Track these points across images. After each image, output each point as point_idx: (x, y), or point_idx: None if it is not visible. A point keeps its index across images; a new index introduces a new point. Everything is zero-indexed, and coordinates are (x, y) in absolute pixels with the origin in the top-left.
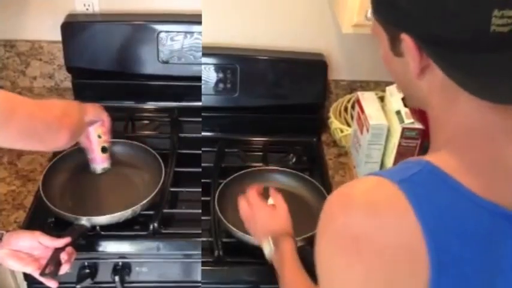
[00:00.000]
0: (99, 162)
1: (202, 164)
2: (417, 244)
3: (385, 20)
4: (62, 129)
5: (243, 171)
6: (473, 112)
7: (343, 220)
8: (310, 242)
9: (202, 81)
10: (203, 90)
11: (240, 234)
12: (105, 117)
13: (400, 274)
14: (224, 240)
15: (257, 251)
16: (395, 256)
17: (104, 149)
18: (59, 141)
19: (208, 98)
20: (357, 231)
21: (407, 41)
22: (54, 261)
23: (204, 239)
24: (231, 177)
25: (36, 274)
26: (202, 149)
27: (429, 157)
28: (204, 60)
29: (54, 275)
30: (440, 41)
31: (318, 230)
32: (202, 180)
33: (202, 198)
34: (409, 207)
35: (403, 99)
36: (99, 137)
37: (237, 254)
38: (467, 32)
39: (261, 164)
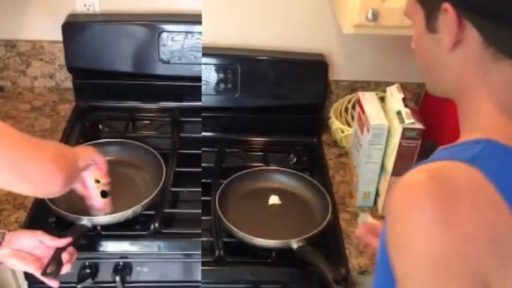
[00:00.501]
0: (101, 209)
1: (203, 164)
2: (506, 223)
3: None
4: (58, 171)
5: (243, 171)
6: (510, 81)
7: (422, 210)
8: (311, 241)
9: (203, 82)
10: (204, 91)
11: (240, 234)
12: (99, 159)
13: (495, 255)
14: (225, 240)
15: (257, 251)
16: (486, 237)
17: (103, 194)
18: (54, 185)
19: (208, 98)
20: (443, 217)
21: (449, 10)
22: (56, 260)
23: (205, 239)
24: (232, 177)
25: (37, 274)
26: (203, 149)
27: (480, 134)
28: (205, 60)
29: (55, 274)
30: (484, 10)
31: (391, 226)
32: (202, 181)
33: (203, 198)
34: (488, 184)
35: (403, 99)
36: (97, 181)
37: (237, 254)
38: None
39: (261, 164)
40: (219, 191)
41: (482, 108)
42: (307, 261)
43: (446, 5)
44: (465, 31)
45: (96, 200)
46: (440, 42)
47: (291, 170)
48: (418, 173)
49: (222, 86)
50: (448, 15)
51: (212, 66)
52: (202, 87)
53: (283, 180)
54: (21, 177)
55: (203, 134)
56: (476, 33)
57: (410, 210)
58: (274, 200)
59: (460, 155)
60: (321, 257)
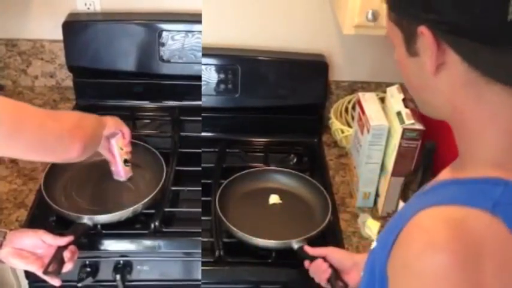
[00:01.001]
0: (123, 175)
1: (204, 165)
2: None
3: (402, 15)
4: (74, 141)
5: (244, 172)
6: (507, 104)
7: (442, 271)
8: (311, 241)
9: (203, 82)
10: (204, 91)
11: (240, 234)
12: (124, 129)
13: None
14: (225, 240)
15: (258, 251)
16: None
17: (126, 161)
18: (71, 153)
19: (209, 99)
20: (467, 282)
21: (425, 34)
22: (58, 259)
23: (205, 239)
24: (232, 177)
25: (39, 272)
26: (204, 149)
27: (495, 172)
28: (205, 60)
29: (57, 273)
30: (460, 31)
31: (401, 278)
32: (203, 181)
33: (203, 199)
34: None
35: (404, 100)
36: (121, 149)
37: (237, 254)
38: (487, 21)
39: (262, 165)
40: (219, 191)
41: (487, 138)
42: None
43: (422, 28)
44: (446, 53)
45: (119, 167)
46: (423, 66)
47: (292, 171)
48: (435, 224)
49: (222, 86)
50: (425, 39)
51: (212, 66)
52: (203, 88)
53: (283, 180)
54: (49, 149)
55: (204, 134)
56: (458, 55)
57: (428, 267)
58: (274, 199)
59: (479, 200)
60: (322, 258)
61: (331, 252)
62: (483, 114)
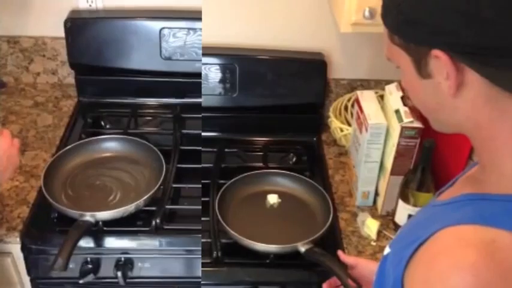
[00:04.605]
0: None
1: (202, 165)
2: None
3: (411, 40)
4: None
5: (243, 174)
6: None
7: None
8: (316, 243)
9: (202, 82)
10: (202, 91)
11: (247, 242)
12: None
13: None
14: (223, 241)
15: (255, 252)
16: None
17: None
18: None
19: (207, 98)
20: None
21: (441, 57)
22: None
23: (203, 240)
24: (232, 180)
25: None
26: (202, 149)
27: None
28: (203, 60)
29: (63, 268)
30: (476, 50)
31: None
32: (202, 181)
33: (202, 199)
34: None
35: (402, 97)
36: None
37: (235, 255)
38: (506, 39)
39: (261, 164)
40: (218, 195)
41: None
42: (317, 263)
43: (437, 52)
44: (464, 73)
45: None
46: (438, 86)
47: (292, 173)
48: (461, 245)
49: (220, 85)
50: (441, 61)
51: (211, 66)
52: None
53: (283, 183)
54: None
55: (202, 134)
56: (477, 73)
57: None
58: (273, 199)
59: (506, 221)
60: (334, 259)
61: (363, 262)
62: (510, 128)
